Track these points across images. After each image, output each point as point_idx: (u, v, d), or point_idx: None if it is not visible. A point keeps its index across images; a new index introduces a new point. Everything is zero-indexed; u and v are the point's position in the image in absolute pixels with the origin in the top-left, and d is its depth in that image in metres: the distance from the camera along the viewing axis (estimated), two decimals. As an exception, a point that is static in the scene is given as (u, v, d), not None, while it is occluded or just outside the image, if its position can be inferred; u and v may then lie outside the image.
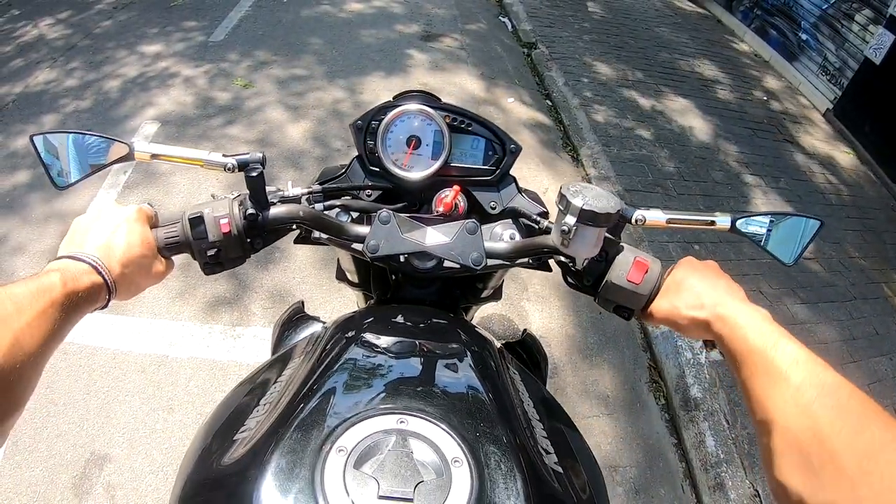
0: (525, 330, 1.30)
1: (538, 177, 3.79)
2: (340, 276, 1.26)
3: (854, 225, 4.12)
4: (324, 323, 1.16)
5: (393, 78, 4.82)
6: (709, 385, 2.64)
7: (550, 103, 4.83)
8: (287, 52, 5.08)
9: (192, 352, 2.53)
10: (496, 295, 1.19)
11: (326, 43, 5.33)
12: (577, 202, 0.72)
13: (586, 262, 0.81)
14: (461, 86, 4.81)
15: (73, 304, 0.63)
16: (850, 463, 0.48)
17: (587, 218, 0.73)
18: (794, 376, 0.57)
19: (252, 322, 2.68)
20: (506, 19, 6.40)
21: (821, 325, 3.16)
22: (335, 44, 5.33)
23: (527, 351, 1.22)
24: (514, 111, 4.57)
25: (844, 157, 5.03)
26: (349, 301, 2.40)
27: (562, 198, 0.75)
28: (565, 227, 0.74)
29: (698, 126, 4.84)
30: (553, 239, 0.79)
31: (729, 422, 2.52)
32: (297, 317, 1.24)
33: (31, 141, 0.77)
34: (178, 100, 4.28)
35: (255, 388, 0.83)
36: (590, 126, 4.38)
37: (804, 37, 6.24)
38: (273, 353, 1.17)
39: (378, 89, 4.60)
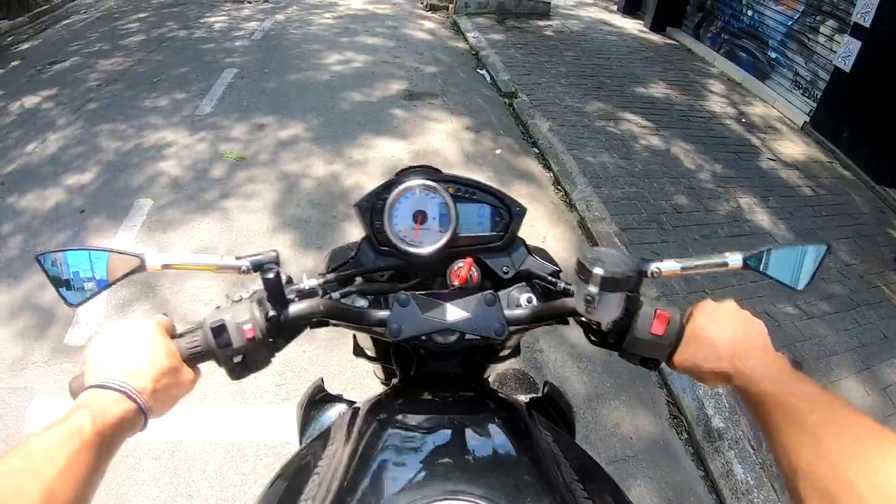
0: (547, 382, 1.28)
1: (534, 225, 3.90)
2: (358, 352, 1.27)
3: (846, 232, 4.21)
4: (350, 403, 1.16)
5: (381, 139, 4.99)
6: (729, 413, 2.68)
7: (538, 150, 4.97)
8: (274, 121, 5.25)
9: (206, 435, 2.51)
10: (515, 352, 1.18)
11: (311, 108, 5.51)
12: (598, 271, 0.73)
13: (610, 323, 0.80)
14: (448, 142, 4.96)
15: (107, 439, 0.62)
16: (872, 499, 0.50)
17: (609, 285, 0.73)
18: (809, 420, 0.59)
19: (265, 400, 2.69)
20: (483, 71, 6.64)
21: (829, 336, 3.22)
22: (320, 109, 5.52)
23: (552, 404, 1.20)
24: (503, 162, 4.71)
25: (827, 166, 5.16)
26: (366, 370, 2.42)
27: (582, 268, 0.75)
28: (589, 297, 0.75)
29: (683, 156, 4.98)
30: (576, 306, 0.80)
31: (754, 447, 2.55)
32: (319, 396, 1.23)
33: (38, 261, 0.76)
34: (171, 175, 4.37)
35: (293, 483, 0.83)
36: (579, 169, 4.52)
37: (773, 55, 6.46)
38: (301, 436, 1.18)
39: (368, 152, 4.76)
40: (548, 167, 4.72)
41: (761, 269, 0.86)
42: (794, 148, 5.41)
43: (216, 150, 4.72)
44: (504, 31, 8.01)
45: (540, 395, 1.24)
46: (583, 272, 0.75)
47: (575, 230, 3.96)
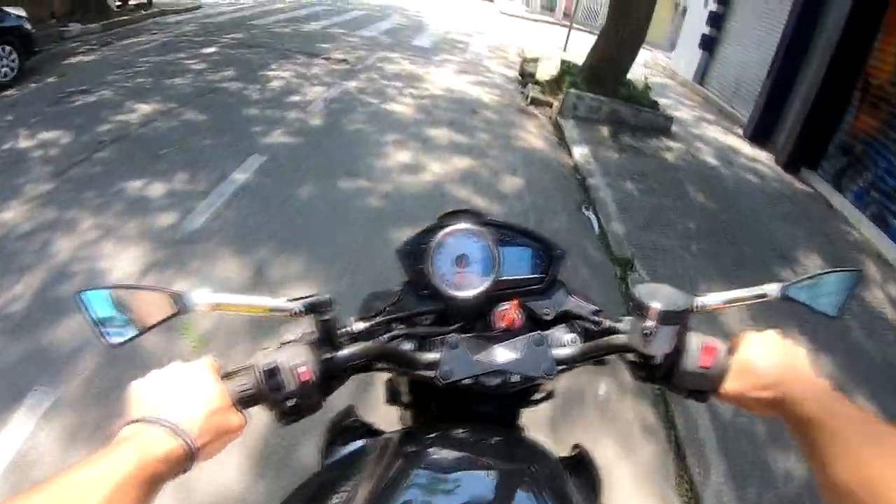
0: (577, 445, 1.18)
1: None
2: (392, 399, 1.22)
3: None
4: (380, 432, 1.10)
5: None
6: None
7: (658, 388, 3.26)
8: (278, 271, 3.65)
9: None
10: (549, 395, 1.14)
11: (340, 254, 3.84)
12: (657, 305, 0.77)
13: (662, 357, 0.82)
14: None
15: (151, 478, 0.59)
16: None
17: (667, 319, 0.77)
18: (851, 440, 0.61)
19: None
20: (590, 213, 5.14)
21: None
22: (352, 258, 3.75)
23: (580, 467, 1.11)
24: (610, 414, 3.03)
25: None
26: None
27: (638, 303, 0.79)
28: (647, 331, 0.78)
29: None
30: (631, 341, 0.83)
31: None
32: (348, 422, 1.18)
33: (79, 299, 0.72)
34: (94, 346, 2.83)
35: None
36: (715, 438, 2.91)
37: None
38: (323, 460, 1.09)
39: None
40: (669, 422, 3.07)
41: (798, 299, 0.87)
42: None
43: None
44: (618, 150, 6.60)
45: (568, 454, 1.16)
46: (639, 307, 0.79)
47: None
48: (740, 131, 9.05)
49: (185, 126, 5.45)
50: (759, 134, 8.41)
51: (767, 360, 0.77)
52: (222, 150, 5.06)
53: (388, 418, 1.23)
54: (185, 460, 0.64)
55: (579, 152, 6.25)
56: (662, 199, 5.52)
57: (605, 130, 7.13)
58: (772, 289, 0.86)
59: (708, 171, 6.71)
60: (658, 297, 0.78)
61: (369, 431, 1.15)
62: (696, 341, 0.82)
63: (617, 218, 4.94)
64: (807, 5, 7.71)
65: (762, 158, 7.72)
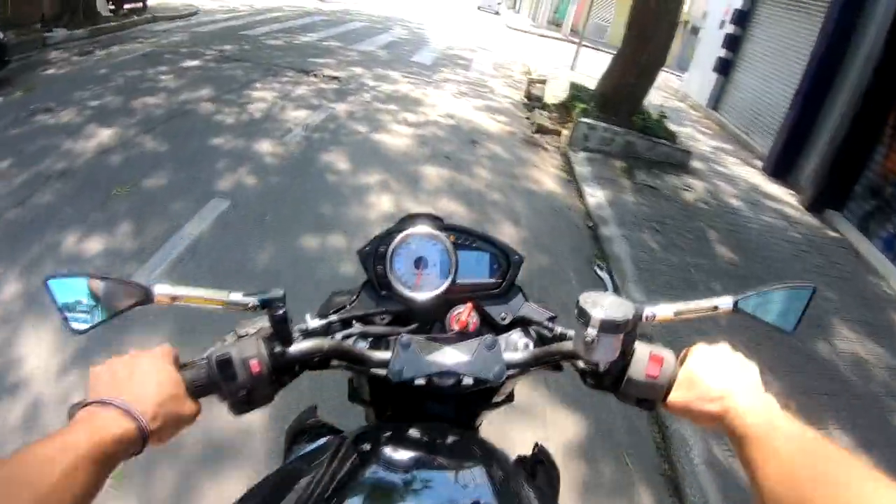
0: (537, 443, 1.22)
1: None
2: (354, 397, 1.17)
3: None
4: (340, 432, 1.10)
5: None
6: None
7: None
8: None
9: None
10: (508, 399, 1.12)
11: None
12: (598, 314, 0.76)
13: (607, 364, 0.82)
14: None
15: (104, 456, 0.60)
16: None
17: (608, 328, 0.76)
18: (789, 457, 0.62)
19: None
20: (603, 273, 4.45)
21: None
22: None
23: (539, 465, 1.16)
24: None
25: None
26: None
27: (581, 311, 0.78)
28: (588, 339, 0.76)
29: None
30: (575, 348, 0.81)
31: None
32: (310, 421, 1.20)
33: (46, 284, 0.74)
34: None
35: (269, 499, 0.82)
36: None
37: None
38: (285, 461, 1.10)
39: None
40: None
41: (751, 312, 0.86)
42: None
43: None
44: (633, 191, 5.98)
45: (528, 454, 1.20)
46: (582, 315, 0.78)
47: None
48: (759, 164, 8.51)
49: (145, 159, 4.78)
50: (781, 170, 7.92)
51: (715, 372, 0.76)
52: (179, 193, 4.36)
53: (359, 417, 1.17)
54: (138, 442, 0.65)
55: (591, 194, 5.62)
56: (684, 255, 4.88)
57: (618, 166, 6.50)
58: (724, 301, 0.86)
59: (731, 215, 6.09)
60: (601, 305, 0.77)
61: (331, 431, 1.13)
62: (644, 350, 0.81)
63: (634, 279, 4.29)
64: (836, 35, 7.18)
65: (785, 198, 7.19)
